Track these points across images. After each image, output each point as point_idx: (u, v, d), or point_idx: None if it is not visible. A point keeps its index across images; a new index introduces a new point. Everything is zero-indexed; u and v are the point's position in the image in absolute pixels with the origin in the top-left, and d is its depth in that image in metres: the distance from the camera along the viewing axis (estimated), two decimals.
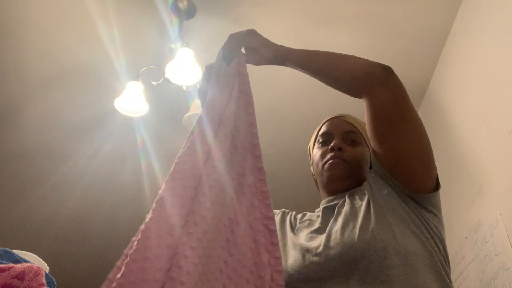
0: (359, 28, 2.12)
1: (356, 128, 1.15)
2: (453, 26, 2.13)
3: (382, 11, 2.07)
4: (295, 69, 1.05)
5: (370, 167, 1.12)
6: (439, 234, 0.97)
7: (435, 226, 0.97)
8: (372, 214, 0.94)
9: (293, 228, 1.09)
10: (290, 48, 1.04)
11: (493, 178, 1.65)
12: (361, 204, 0.98)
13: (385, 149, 0.97)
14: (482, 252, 1.67)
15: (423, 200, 0.97)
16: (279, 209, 1.19)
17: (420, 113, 2.49)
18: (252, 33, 1.03)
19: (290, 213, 1.16)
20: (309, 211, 1.14)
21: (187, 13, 2.08)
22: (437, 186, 0.99)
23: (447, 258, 0.97)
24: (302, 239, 1.01)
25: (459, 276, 1.85)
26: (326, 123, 1.19)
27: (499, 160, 1.61)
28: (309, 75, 1.04)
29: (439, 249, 0.94)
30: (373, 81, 0.95)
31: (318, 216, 1.07)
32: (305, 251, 0.96)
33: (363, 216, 0.94)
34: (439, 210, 1.01)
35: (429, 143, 0.97)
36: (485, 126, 1.75)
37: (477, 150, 1.79)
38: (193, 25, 2.14)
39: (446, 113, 2.09)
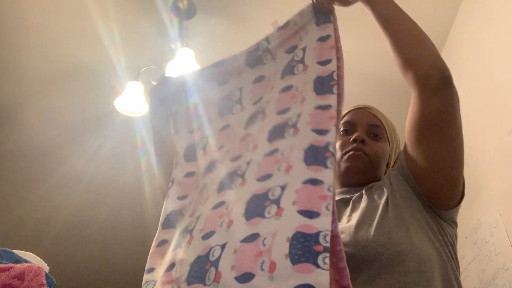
0: (359, 28, 2.11)
1: (382, 122, 1.11)
2: (453, 26, 2.13)
3: None
4: (373, 14, 0.97)
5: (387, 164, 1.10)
6: (453, 244, 0.94)
7: (450, 236, 0.95)
8: (390, 214, 0.91)
9: None
10: None
11: (493, 178, 1.65)
12: (380, 203, 0.95)
13: (417, 154, 0.93)
14: (482, 252, 1.67)
15: (442, 214, 0.95)
16: None
17: None
18: None
19: None
20: None
21: (187, 13, 2.08)
22: (459, 201, 0.96)
23: (459, 267, 0.95)
24: None
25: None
26: (350, 112, 1.14)
27: (499, 160, 1.61)
28: (379, 25, 0.95)
29: (453, 258, 0.92)
30: (427, 85, 0.88)
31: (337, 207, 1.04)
32: None
33: (380, 216, 0.91)
34: (456, 222, 0.98)
35: (462, 163, 0.93)
36: (485, 126, 1.75)
37: (477, 150, 1.79)
38: (193, 25, 2.14)
39: None
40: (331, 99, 0.79)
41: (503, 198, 1.55)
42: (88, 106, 2.62)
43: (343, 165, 1.06)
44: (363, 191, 1.02)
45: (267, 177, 0.75)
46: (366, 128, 1.09)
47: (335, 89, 0.80)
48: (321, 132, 0.76)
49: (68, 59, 2.35)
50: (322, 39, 0.90)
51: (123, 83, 2.20)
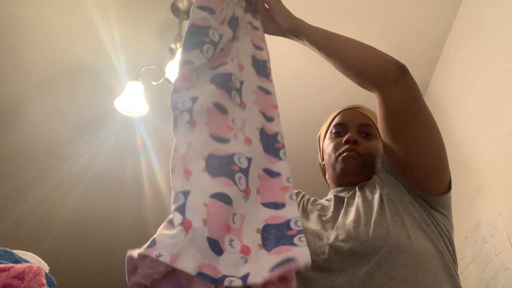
0: (359, 28, 2.12)
1: (372, 121, 1.12)
2: (453, 26, 2.13)
3: (382, 11, 2.07)
4: (309, 47, 1.01)
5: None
6: (448, 235, 0.95)
7: (445, 227, 0.96)
8: (387, 210, 0.93)
9: (304, 210, 1.07)
10: (308, 24, 1.02)
11: (493, 178, 1.65)
12: (373, 198, 0.97)
13: (396, 148, 0.95)
14: (482, 252, 1.66)
15: (433, 201, 0.96)
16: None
17: None
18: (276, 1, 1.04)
19: (305, 196, 1.14)
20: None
21: (187, 13, 2.08)
22: (449, 188, 0.98)
23: (456, 259, 0.96)
24: (313, 223, 1.00)
25: (459, 276, 1.85)
26: (341, 114, 1.16)
27: (499, 160, 1.61)
28: (323, 56, 1.00)
29: (448, 250, 0.93)
30: (386, 80, 0.92)
31: (330, 204, 1.05)
32: (317, 238, 0.95)
33: (377, 211, 0.93)
34: (449, 211, 0.99)
35: (443, 145, 0.95)
36: (485, 126, 1.75)
37: (477, 150, 1.79)
38: None
39: (446, 113, 2.08)
40: (270, 86, 0.85)
41: (503, 198, 1.55)
42: (88, 106, 2.61)
43: (337, 166, 1.08)
44: (356, 189, 1.03)
45: (224, 140, 0.73)
46: (357, 128, 1.11)
47: (271, 78, 0.86)
48: (268, 118, 0.78)
49: (68, 59, 2.35)
50: (254, 28, 0.95)
51: (123, 83, 2.20)
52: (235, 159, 0.70)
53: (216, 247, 0.56)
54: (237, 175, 0.67)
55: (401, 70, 0.92)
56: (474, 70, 1.90)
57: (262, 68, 0.86)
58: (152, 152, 2.88)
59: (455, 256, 0.96)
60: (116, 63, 2.29)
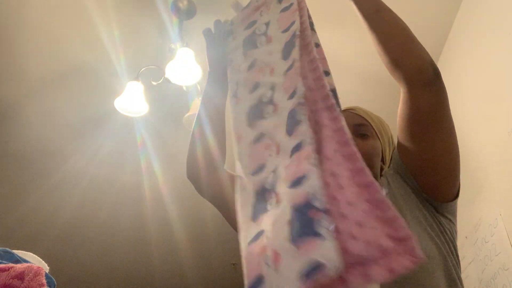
0: (360, 28, 2.12)
1: (366, 120, 1.11)
2: (453, 26, 2.13)
3: None
4: (357, 8, 0.94)
5: (381, 160, 1.11)
6: (453, 240, 0.95)
7: (450, 232, 0.95)
8: None
9: None
10: None
11: (493, 178, 1.65)
12: None
13: (412, 150, 0.93)
14: (482, 252, 1.67)
15: (440, 207, 0.95)
16: None
17: None
18: None
19: None
20: None
21: (187, 13, 2.08)
22: (457, 195, 0.97)
23: (459, 263, 0.95)
24: None
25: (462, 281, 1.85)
26: None
27: (499, 160, 1.61)
28: (364, 19, 0.93)
29: (453, 254, 0.93)
30: (419, 80, 0.87)
31: None
32: None
33: None
34: (455, 217, 0.99)
35: (458, 155, 0.93)
36: (485, 126, 1.75)
37: (477, 150, 1.79)
38: (193, 25, 2.14)
39: None
40: (294, 53, 0.74)
41: (503, 198, 1.55)
42: (88, 106, 2.62)
43: None
44: None
45: (260, 168, 0.67)
46: (352, 129, 1.09)
47: (297, 43, 0.75)
48: (292, 95, 0.68)
49: (68, 59, 2.35)
50: (285, 9, 0.85)
51: (123, 83, 2.20)
52: (266, 185, 0.63)
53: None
54: (269, 202, 0.60)
55: (436, 73, 0.88)
56: (474, 70, 1.90)
57: (290, 45, 0.77)
58: (152, 152, 2.88)
59: (459, 261, 0.95)
60: (116, 63, 2.29)
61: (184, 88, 2.10)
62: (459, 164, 0.94)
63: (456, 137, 0.93)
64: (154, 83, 2.10)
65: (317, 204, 0.48)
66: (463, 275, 0.95)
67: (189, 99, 2.19)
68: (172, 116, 2.56)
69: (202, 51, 2.17)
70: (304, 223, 0.48)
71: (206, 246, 3.71)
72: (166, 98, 2.46)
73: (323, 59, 0.75)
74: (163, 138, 2.79)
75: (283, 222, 0.52)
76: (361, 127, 1.10)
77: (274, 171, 0.63)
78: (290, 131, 0.63)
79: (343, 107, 1.18)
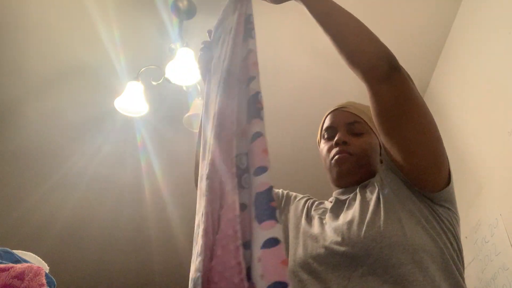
0: None
1: (360, 117, 1.11)
2: (453, 26, 2.13)
3: (382, 11, 2.07)
4: (310, 11, 0.94)
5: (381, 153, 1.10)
6: (452, 230, 0.93)
7: (448, 221, 0.93)
8: (382, 209, 0.91)
9: (307, 215, 1.07)
10: None
11: (493, 178, 1.65)
12: (371, 199, 0.95)
13: (391, 144, 0.93)
14: (482, 252, 1.66)
15: (433, 197, 0.93)
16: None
17: None
18: None
19: (311, 200, 1.14)
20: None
21: (187, 13, 2.08)
22: (449, 181, 0.95)
23: (461, 254, 0.94)
24: (315, 228, 1.00)
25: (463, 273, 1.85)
26: (328, 116, 1.15)
27: (499, 160, 1.61)
28: (318, 21, 0.93)
29: (451, 245, 0.91)
30: (374, 76, 0.87)
31: (332, 207, 1.04)
32: (314, 240, 0.95)
33: (372, 211, 0.91)
34: (453, 204, 0.96)
35: (439, 143, 0.92)
36: (485, 126, 1.75)
37: (477, 150, 1.79)
38: (193, 25, 2.14)
39: (446, 113, 2.09)
40: (217, 102, 0.74)
41: (503, 198, 1.55)
42: (88, 106, 2.62)
43: (333, 170, 1.07)
44: (357, 190, 1.02)
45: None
46: (345, 128, 1.10)
47: (221, 89, 0.75)
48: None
49: (68, 59, 2.35)
50: (228, 32, 0.89)
51: (123, 83, 2.20)
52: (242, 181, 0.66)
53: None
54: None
55: (391, 66, 0.87)
56: (474, 70, 1.90)
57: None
58: (152, 152, 2.88)
59: (460, 251, 0.94)
60: (116, 63, 2.29)
61: (184, 88, 2.10)
62: (441, 151, 0.92)
63: (432, 126, 0.91)
64: (154, 83, 2.10)
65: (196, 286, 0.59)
66: None
67: (189, 99, 2.19)
68: (172, 116, 2.56)
69: None
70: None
71: None
72: (166, 98, 2.46)
73: (253, 64, 0.74)
74: (163, 138, 2.79)
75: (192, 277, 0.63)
76: (355, 125, 1.10)
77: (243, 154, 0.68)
78: (202, 195, 0.69)
79: (329, 109, 1.19)
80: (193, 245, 0.72)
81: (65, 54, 2.32)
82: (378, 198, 0.95)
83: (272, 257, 0.56)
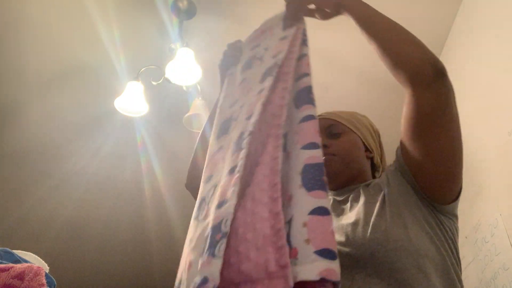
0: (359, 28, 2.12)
1: (335, 120, 1.13)
2: (453, 26, 2.13)
3: (382, 11, 2.07)
4: (355, 21, 0.96)
5: (367, 150, 1.11)
6: (453, 238, 0.94)
7: (450, 230, 0.94)
8: (387, 212, 0.91)
9: None
10: (353, 0, 0.97)
11: (493, 178, 1.65)
12: (375, 200, 0.95)
13: (413, 150, 0.92)
14: (482, 252, 1.67)
15: (440, 208, 0.94)
16: None
17: None
18: None
19: None
20: None
21: (187, 13, 2.08)
22: (457, 197, 0.95)
23: (460, 264, 0.94)
24: None
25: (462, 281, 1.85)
26: None
27: (499, 160, 1.61)
28: (363, 34, 0.95)
29: (452, 252, 0.92)
30: (418, 81, 0.86)
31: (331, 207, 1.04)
32: None
33: (377, 213, 0.91)
34: (456, 216, 0.98)
35: (461, 158, 0.91)
36: (485, 126, 1.75)
37: (477, 150, 1.79)
38: (193, 25, 2.14)
39: None
40: (267, 82, 0.80)
41: (503, 198, 1.55)
42: (88, 106, 2.62)
43: None
44: (361, 189, 1.02)
45: (209, 178, 0.77)
46: (324, 133, 1.11)
47: (274, 72, 0.81)
48: (249, 117, 0.76)
49: (68, 59, 2.35)
50: (282, 39, 0.93)
51: (123, 83, 2.20)
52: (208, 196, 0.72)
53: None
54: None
55: (438, 72, 0.86)
56: (474, 70, 1.90)
57: (270, 71, 0.84)
58: (152, 152, 2.88)
59: (459, 259, 0.94)
60: (116, 63, 2.29)
61: (184, 88, 2.10)
62: (460, 169, 0.92)
63: (460, 142, 0.90)
64: (154, 83, 2.10)
65: (223, 228, 0.59)
66: (463, 275, 0.94)
67: (189, 99, 2.19)
68: (172, 116, 2.56)
69: (202, 51, 2.18)
70: (211, 243, 0.59)
71: None
72: (166, 98, 2.46)
73: (307, 64, 0.82)
74: (163, 138, 2.79)
75: (203, 238, 0.63)
76: (331, 128, 1.12)
77: (215, 186, 0.72)
78: (233, 152, 0.72)
79: (341, 108, 1.19)
80: (199, 205, 0.72)
81: (65, 54, 2.33)
82: (383, 200, 0.94)
83: (322, 224, 0.56)
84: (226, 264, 0.55)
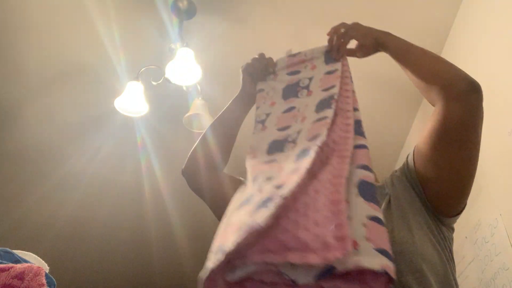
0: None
1: None
2: (453, 26, 2.13)
3: (382, 11, 2.07)
4: (392, 55, 1.03)
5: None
6: (450, 248, 0.96)
7: (448, 240, 0.96)
8: (394, 214, 0.92)
9: None
10: (389, 36, 1.04)
11: (493, 178, 1.65)
12: (381, 203, 0.95)
13: (430, 161, 0.93)
14: (482, 252, 1.67)
15: (442, 219, 0.95)
16: None
17: (420, 113, 2.49)
18: (353, 27, 1.07)
19: None
20: None
21: (187, 13, 2.08)
22: (460, 212, 0.97)
23: (455, 270, 0.96)
24: None
25: (459, 276, 1.85)
26: None
27: (499, 160, 1.61)
28: (400, 64, 1.01)
29: (450, 262, 0.93)
30: (450, 93, 0.88)
31: None
32: None
33: (383, 215, 0.92)
34: (453, 228, 1.00)
35: (473, 176, 0.94)
36: (485, 126, 1.74)
37: None
38: (193, 25, 2.14)
39: None
40: (328, 112, 0.88)
41: (503, 198, 1.55)
42: (88, 106, 2.62)
43: None
44: None
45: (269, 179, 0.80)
46: None
47: (333, 105, 0.89)
48: (313, 138, 0.83)
49: (68, 59, 2.35)
50: (329, 73, 1.02)
51: (123, 83, 2.20)
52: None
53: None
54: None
55: (470, 87, 0.88)
56: (474, 70, 1.90)
57: (326, 102, 0.93)
58: (152, 152, 2.88)
59: (455, 270, 0.96)
60: (116, 63, 2.29)
61: (184, 88, 2.10)
62: (469, 190, 0.94)
63: (476, 166, 0.92)
64: (154, 83, 2.10)
65: (281, 194, 0.62)
66: (463, 275, 0.95)
67: (189, 99, 2.19)
68: (172, 116, 2.56)
69: (202, 51, 2.18)
70: (268, 198, 0.64)
71: (206, 246, 3.70)
72: (166, 98, 2.46)
73: (356, 100, 0.93)
74: (163, 138, 2.79)
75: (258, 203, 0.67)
76: None
77: (277, 187, 0.76)
78: (296, 160, 0.79)
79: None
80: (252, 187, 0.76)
81: (65, 54, 2.33)
82: (388, 203, 0.95)
83: (381, 231, 0.62)
84: (282, 229, 0.59)
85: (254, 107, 1.09)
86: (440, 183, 0.92)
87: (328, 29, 1.10)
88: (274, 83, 1.09)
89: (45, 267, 1.13)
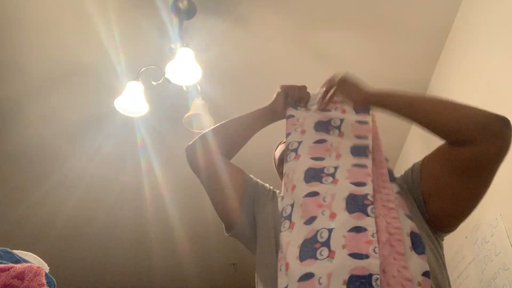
0: (359, 28, 2.12)
1: None
2: (453, 26, 2.13)
3: (382, 11, 2.07)
4: (389, 113, 1.01)
5: None
6: (443, 257, 0.97)
7: (442, 247, 0.98)
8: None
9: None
10: (387, 93, 1.04)
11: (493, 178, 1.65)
12: None
13: (446, 184, 0.93)
14: (482, 252, 1.67)
15: (437, 233, 0.98)
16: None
17: None
18: (342, 85, 1.09)
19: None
20: None
21: (187, 13, 2.08)
22: (453, 229, 0.99)
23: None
24: None
25: (459, 276, 1.85)
26: (277, 149, 1.33)
27: None
28: (406, 120, 0.99)
29: (445, 267, 0.95)
30: (487, 134, 0.87)
31: None
32: None
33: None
34: (443, 240, 1.02)
35: (475, 208, 0.95)
36: None
37: None
38: (193, 25, 2.14)
39: None
40: (366, 161, 0.99)
41: (503, 198, 1.55)
42: (88, 106, 2.62)
43: None
44: None
45: (312, 219, 0.89)
46: None
47: (370, 156, 1.00)
48: (359, 184, 0.92)
49: (68, 59, 2.35)
50: (360, 122, 1.08)
51: (123, 83, 2.20)
52: (318, 237, 0.86)
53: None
54: (318, 251, 0.84)
55: (502, 122, 0.89)
56: (474, 70, 1.90)
57: (362, 151, 1.01)
58: (152, 152, 2.88)
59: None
60: (116, 63, 2.29)
61: (184, 88, 2.10)
62: (470, 213, 0.95)
63: (483, 196, 0.93)
64: (154, 83, 2.10)
65: (374, 283, 0.77)
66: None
67: (189, 99, 2.19)
68: (172, 116, 2.56)
69: (202, 51, 2.18)
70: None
71: (206, 246, 3.71)
72: (166, 98, 2.46)
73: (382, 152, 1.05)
74: (163, 138, 2.79)
75: (340, 281, 0.79)
76: None
77: (326, 228, 0.88)
78: (349, 210, 0.88)
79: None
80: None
81: (65, 54, 2.33)
82: None
83: (428, 284, 0.81)
84: None
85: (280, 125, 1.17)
86: (446, 205, 0.94)
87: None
88: (306, 114, 1.15)
89: (45, 267, 1.13)
